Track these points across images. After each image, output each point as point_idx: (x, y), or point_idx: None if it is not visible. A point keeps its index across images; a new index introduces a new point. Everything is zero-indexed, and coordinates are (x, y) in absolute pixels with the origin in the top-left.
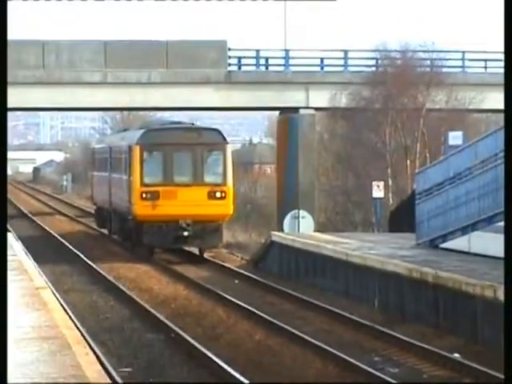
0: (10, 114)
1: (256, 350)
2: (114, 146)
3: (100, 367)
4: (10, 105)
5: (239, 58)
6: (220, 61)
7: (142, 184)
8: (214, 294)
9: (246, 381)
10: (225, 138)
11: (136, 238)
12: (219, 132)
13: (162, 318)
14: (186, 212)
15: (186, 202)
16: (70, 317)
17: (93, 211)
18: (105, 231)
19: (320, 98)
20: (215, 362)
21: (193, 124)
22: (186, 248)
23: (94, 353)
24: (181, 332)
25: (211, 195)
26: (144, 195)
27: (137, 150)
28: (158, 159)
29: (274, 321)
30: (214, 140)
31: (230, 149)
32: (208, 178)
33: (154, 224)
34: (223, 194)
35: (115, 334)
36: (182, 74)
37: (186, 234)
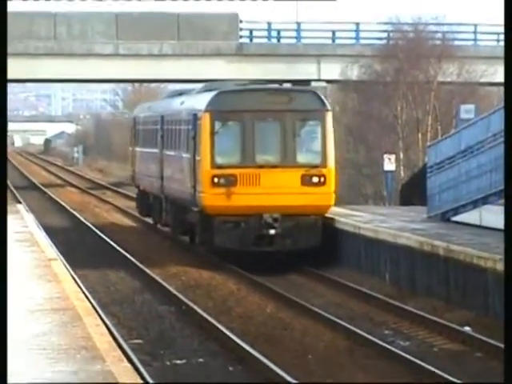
0: (20, 86)
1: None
2: (169, 114)
3: (110, 338)
4: (20, 76)
5: (250, 31)
6: (231, 33)
7: (214, 165)
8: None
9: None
10: (324, 103)
11: (202, 237)
12: (317, 95)
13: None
14: (273, 203)
15: (272, 190)
16: (81, 288)
17: (105, 183)
18: (149, 220)
19: (331, 70)
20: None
21: (280, 84)
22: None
23: (105, 324)
24: None
25: (306, 180)
26: (216, 180)
27: (206, 119)
28: (234, 132)
29: (285, 293)
30: (311, 106)
31: (331, 118)
32: (302, 158)
33: (229, 219)
34: (322, 179)
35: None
36: (194, 45)
37: (272, 232)
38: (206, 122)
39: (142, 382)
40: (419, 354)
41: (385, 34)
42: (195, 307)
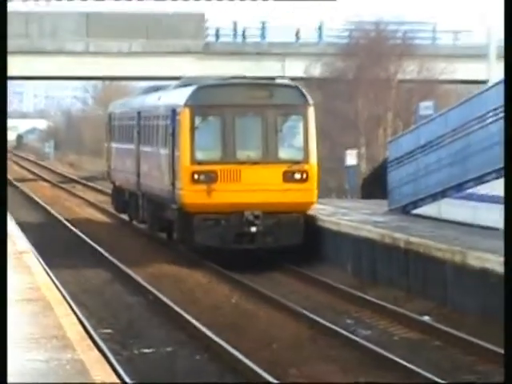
0: None
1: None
2: (145, 109)
3: (81, 328)
4: None
5: (217, 30)
6: (198, 32)
7: (194, 161)
8: None
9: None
10: (306, 98)
11: (181, 234)
12: (299, 89)
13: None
14: (254, 200)
15: (253, 187)
16: (52, 279)
17: (76, 178)
18: (125, 217)
19: (296, 68)
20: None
21: (260, 78)
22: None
23: (75, 314)
24: None
25: (288, 177)
26: (196, 177)
27: (186, 115)
28: (214, 127)
29: (251, 284)
30: (292, 100)
31: (313, 112)
32: (284, 154)
33: (210, 216)
34: (305, 175)
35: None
36: (162, 44)
37: (253, 229)
38: (185, 117)
39: (111, 370)
40: (380, 342)
41: (347, 33)
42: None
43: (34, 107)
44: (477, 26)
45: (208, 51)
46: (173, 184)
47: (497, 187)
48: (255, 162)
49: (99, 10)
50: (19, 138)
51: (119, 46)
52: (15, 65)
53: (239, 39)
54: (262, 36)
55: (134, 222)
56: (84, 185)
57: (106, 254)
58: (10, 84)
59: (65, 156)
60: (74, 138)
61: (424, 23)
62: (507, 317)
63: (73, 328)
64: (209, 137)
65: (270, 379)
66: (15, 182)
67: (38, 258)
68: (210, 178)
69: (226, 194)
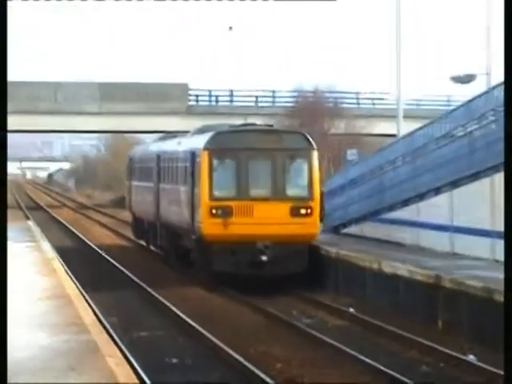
0: (29, 135)
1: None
2: (164, 153)
3: (95, 317)
4: (30, 128)
5: (197, 96)
6: (183, 97)
7: (212, 198)
8: None
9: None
10: (311, 143)
11: (200, 262)
12: (304, 136)
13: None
14: (265, 232)
15: (264, 220)
16: (73, 280)
17: (90, 205)
18: (142, 242)
19: None
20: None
21: (271, 126)
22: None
23: (93, 311)
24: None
25: (295, 212)
26: (214, 211)
27: (205, 157)
28: (230, 168)
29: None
30: (298, 145)
31: (316, 156)
32: (291, 192)
33: (226, 246)
34: (309, 211)
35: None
36: (156, 107)
37: (264, 258)
38: (204, 159)
39: (121, 355)
40: (318, 328)
41: (293, 99)
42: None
43: (60, 152)
44: (392, 89)
45: (190, 112)
46: (192, 217)
47: (405, 214)
48: (266, 199)
49: (109, 80)
50: (50, 175)
51: (123, 107)
52: (46, 121)
53: (213, 103)
54: (231, 101)
55: (151, 247)
56: (97, 210)
57: (105, 254)
58: (43, 136)
59: (82, 189)
60: (89, 176)
61: (349, 92)
62: (507, 320)
63: (88, 317)
64: (225, 176)
65: (231, 352)
66: (46, 208)
67: (61, 262)
68: (226, 213)
69: (240, 226)
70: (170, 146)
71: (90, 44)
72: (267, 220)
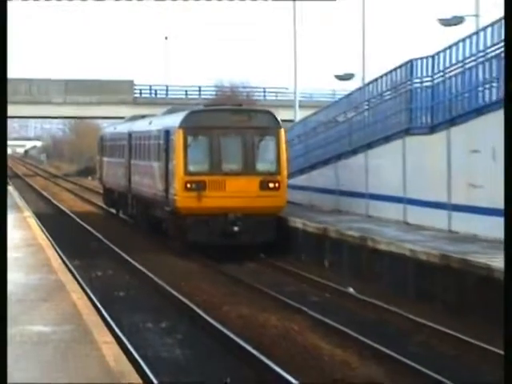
0: (10, 120)
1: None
2: (136, 131)
3: (60, 261)
4: (10, 114)
5: (140, 90)
6: (130, 91)
7: (186, 173)
8: None
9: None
10: (278, 121)
11: (174, 232)
12: (272, 115)
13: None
14: (236, 204)
15: (235, 194)
16: (44, 233)
17: (59, 174)
18: (113, 210)
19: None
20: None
21: (240, 105)
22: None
23: (59, 255)
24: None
25: (264, 186)
26: (188, 185)
27: (180, 134)
28: (203, 145)
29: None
30: (267, 123)
31: (283, 134)
32: (260, 167)
33: (200, 218)
34: (277, 185)
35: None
36: (110, 98)
37: (235, 229)
38: (179, 136)
39: (77, 285)
40: (296, 296)
41: (214, 92)
42: None
43: (34, 134)
44: (290, 84)
45: (135, 102)
46: (166, 190)
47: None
48: (237, 174)
49: (72, 77)
50: (26, 151)
51: (83, 99)
52: (23, 110)
53: (153, 95)
54: (166, 94)
55: (121, 214)
56: (63, 179)
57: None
58: (20, 120)
59: (52, 162)
60: (58, 152)
61: (258, 87)
62: (507, 318)
63: (56, 261)
64: (199, 153)
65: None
66: (23, 177)
67: (35, 219)
68: (200, 187)
69: (213, 199)
70: (141, 125)
71: (61, 45)
72: (238, 193)
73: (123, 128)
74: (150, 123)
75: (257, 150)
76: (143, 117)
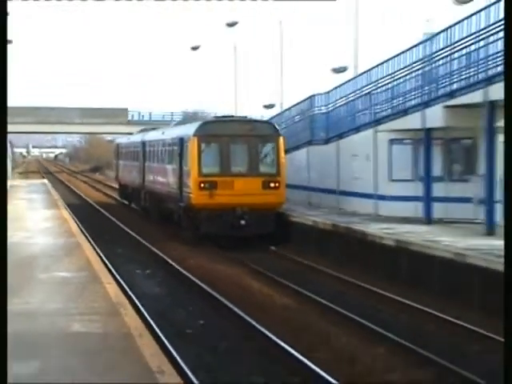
0: (45, 135)
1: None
2: (149, 140)
3: (79, 229)
4: (46, 130)
5: (132, 115)
6: (125, 115)
7: (200, 174)
8: None
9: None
10: (277, 130)
11: (187, 224)
12: (272, 124)
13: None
14: (243, 201)
15: (242, 192)
16: (68, 211)
17: (78, 171)
18: (125, 201)
19: None
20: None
21: (245, 117)
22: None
23: (78, 226)
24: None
25: (266, 185)
26: (202, 185)
27: (194, 141)
28: (215, 150)
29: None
30: (268, 132)
31: (282, 141)
32: (263, 169)
33: (212, 212)
34: (277, 184)
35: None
36: (111, 120)
37: (242, 222)
38: (194, 143)
39: (89, 245)
40: (282, 273)
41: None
42: None
43: (61, 144)
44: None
45: (129, 123)
46: (180, 189)
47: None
48: (243, 175)
49: (85, 106)
50: (55, 156)
51: (94, 120)
52: (53, 128)
53: (141, 118)
54: (150, 117)
55: (132, 205)
56: (82, 174)
57: (85, 197)
58: (52, 135)
59: (73, 163)
60: (77, 156)
61: (212, 112)
62: (507, 313)
63: (76, 229)
64: (210, 157)
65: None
66: (54, 173)
67: (63, 201)
68: (212, 186)
69: (223, 197)
70: (154, 135)
71: (75, 78)
72: (244, 191)
73: (136, 138)
74: (163, 133)
75: (260, 155)
76: (153, 129)
